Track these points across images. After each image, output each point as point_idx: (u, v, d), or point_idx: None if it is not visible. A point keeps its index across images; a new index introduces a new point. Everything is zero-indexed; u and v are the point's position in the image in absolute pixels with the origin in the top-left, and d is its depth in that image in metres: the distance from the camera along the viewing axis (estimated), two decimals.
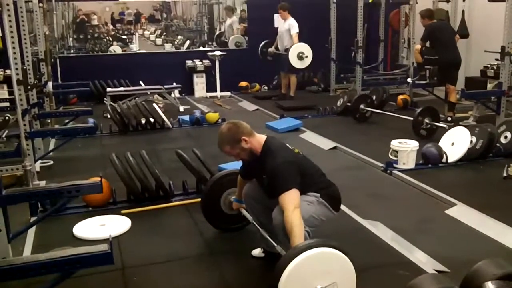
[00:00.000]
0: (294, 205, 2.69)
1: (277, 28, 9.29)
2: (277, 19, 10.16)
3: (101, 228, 3.76)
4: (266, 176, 2.94)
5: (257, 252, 3.34)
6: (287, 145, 3.09)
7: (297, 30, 8.34)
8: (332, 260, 2.42)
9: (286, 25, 8.57)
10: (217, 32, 10.94)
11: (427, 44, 7.21)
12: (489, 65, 7.84)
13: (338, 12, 9.62)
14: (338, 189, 3.12)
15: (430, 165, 5.08)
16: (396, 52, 10.72)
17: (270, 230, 3.03)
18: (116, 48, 10.26)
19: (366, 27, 9.56)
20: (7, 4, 3.96)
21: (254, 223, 3.25)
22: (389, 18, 10.40)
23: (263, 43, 9.31)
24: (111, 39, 10.29)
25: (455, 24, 7.82)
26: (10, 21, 3.99)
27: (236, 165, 4.82)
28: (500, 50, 6.20)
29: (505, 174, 4.76)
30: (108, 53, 10.20)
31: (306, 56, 8.14)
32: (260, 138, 3.01)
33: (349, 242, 3.49)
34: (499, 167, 4.90)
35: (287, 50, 8.31)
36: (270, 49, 9.09)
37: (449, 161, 5.14)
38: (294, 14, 9.12)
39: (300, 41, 8.32)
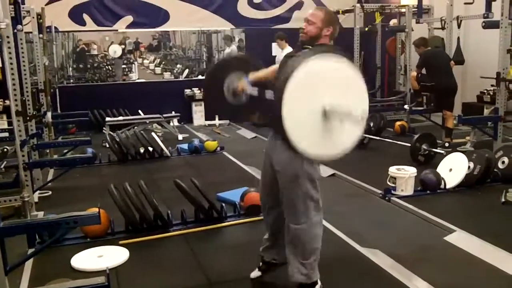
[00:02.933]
0: None
1: (275, 56, 9.38)
2: (275, 47, 10.28)
3: (99, 259, 3.74)
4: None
5: (254, 274, 3.33)
6: None
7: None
8: (338, 71, 2.25)
9: (284, 54, 8.57)
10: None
11: (423, 70, 7.27)
12: (485, 91, 7.91)
13: (335, 39, 9.70)
14: None
15: (428, 192, 5.08)
16: (393, 78, 10.82)
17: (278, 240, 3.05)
18: (116, 48, 10.27)
19: (363, 54, 9.65)
20: (7, 37, 4.01)
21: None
22: (386, 46, 10.52)
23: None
24: (110, 69, 10.38)
25: (451, 51, 7.90)
26: (10, 52, 4.03)
27: (234, 195, 4.85)
28: (495, 76, 6.25)
29: (503, 200, 4.76)
30: (110, 82, 10.28)
31: None
32: (329, 43, 2.95)
33: (348, 271, 3.49)
34: (497, 193, 4.90)
35: None
36: None
37: (447, 187, 5.14)
38: (291, 43, 9.21)
39: None
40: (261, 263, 3.34)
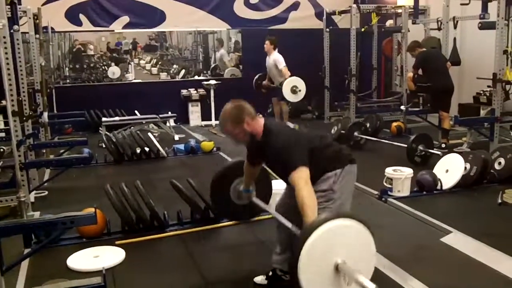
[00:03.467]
0: (304, 180, 2.69)
1: None
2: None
3: (95, 259, 3.73)
4: (271, 159, 2.96)
5: (259, 279, 3.30)
6: (287, 123, 3.11)
7: (284, 64, 8.25)
8: (350, 231, 2.42)
9: (271, 61, 8.41)
10: (212, 65, 11.08)
11: (420, 71, 7.29)
12: (481, 92, 7.93)
13: (331, 40, 9.76)
14: (339, 145, 3.20)
15: (424, 192, 5.09)
16: (389, 79, 10.84)
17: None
18: (115, 70, 10.30)
19: (359, 55, 9.67)
20: (4, 37, 4.00)
21: (269, 210, 3.27)
22: (382, 46, 10.55)
23: (257, 76, 9.37)
24: (109, 62, 10.36)
25: (447, 52, 7.92)
26: (6, 53, 4.02)
27: None
28: (492, 77, 6.27)
29: (500, 201, 4.77)
30: (107, 82, 10.26)
31: (300, 90, 8.07)
32: (260, 122, 2.98)
33: None
34: (493, 194, 4.91)
35: (281, 84, 8.20)
36: (264, 82, 9.05)
37: (443, 188, 5.15)
38: (288, 43, 9.26)
39: (293, 70, 8.35)
40: (271, 273, 3.28)
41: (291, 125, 3.08)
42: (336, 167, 2.94)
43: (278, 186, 3.49)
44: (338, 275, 2.36)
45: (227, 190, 3.46)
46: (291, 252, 3.04)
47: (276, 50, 8.36)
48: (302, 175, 2.71)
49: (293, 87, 8.02)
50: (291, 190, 3.03)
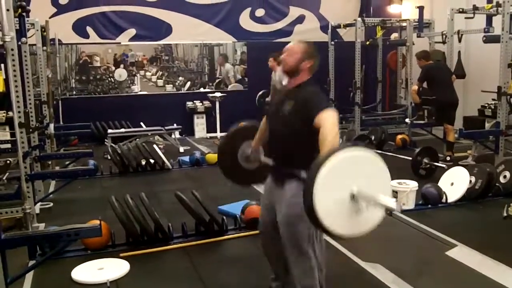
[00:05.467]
0: (332, 121, 2.56)
1: None
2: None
3: (99, 271, 3.73)
4: (296, 105, 2.80)
5: None
6: None
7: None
8: (365, 161, 2.36)
9: (277, 77, 8.46)
10: (218, 79, 11.12)
11: (424, 84, 7.29)
12: (486, 105, 7.93)
13: (336, 53, 9.78)
14: None
15: (429, 206, 5.08)
16: (394, 92, 10.85)
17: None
18: (121, 72, 10.31)
19: (364, 68, 9.69)
20: (12, 49, 4.04)
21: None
22: (387, 59, 10.57)
23: (260, 92, 9.47)
24: (113, 81, 10.40)
25: (452, 65, 7.93)
26: (14, 65, 4.05)
27: (235, 208, 4.84)
28: (496, 90, 6.28)
29: (505, 214, 4.75)
30: (113, 94, 10.32)
31: None
32: (308, 76, 2.92)
33: (349, 285, 3.48)
34: (499, 207, 4.89)
35: None
36: (267, 99, 9.14)
37: (448, 201, 5.14)
38: None
39: None
40: None
41: None
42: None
43: None
44: (355, 205, 2.28)
45: (234, 154, 3.35)
46: (286, 275, 3.04)
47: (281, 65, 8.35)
48: (332, 116, 2.59)
49: None
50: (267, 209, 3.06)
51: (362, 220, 2.34)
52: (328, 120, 2.56)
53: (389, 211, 2.44)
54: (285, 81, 3.01)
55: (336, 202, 2.26)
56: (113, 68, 10.39)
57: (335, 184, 2.26)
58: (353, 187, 2.27)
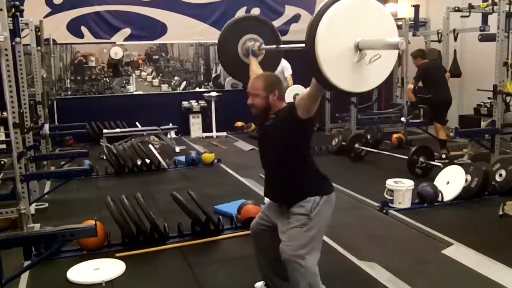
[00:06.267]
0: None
1: None
2: None
3: (95, 272, 3.72)
4: (276, 118, 2.85)
5: (259, 285, 3.30)
6: None
7: (291, 72, 8.38)
8: (370, 9, 2.27)
9: (280, 68, 8.55)
10: (214, 75, 11.10)
11: (420, 83, 7.31)
12: (482, 103, 7.94)
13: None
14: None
15: (426, 204, 5.08)
16: (390, 91, 10.85)
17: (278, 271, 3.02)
18: (117, 50, 10.24)
19: None
20: (6, 49, 4.02)
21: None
22: None
23: None
24: (108, 81, 10.38)
25: (448, 64, 7.95)
26: (8, 65, 4.03)
27: (231, 207, 4.84)
28: (492, 89, 6.28)
29: (501, 213, 4.76)
30: (108, 94, 10.30)
31: None
32: (283, 104, 2.93)
33: (345, 284, 3.48)
34: (494, 206, 4.90)
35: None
36: None
37: (444, 200, 5.14)
38: (289, 55, 9.26)
39: (294, 81, 8.39)
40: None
41: None
42: (317, 193, 2.82)
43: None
44: (360, 54, 2.20)
45: (234, 48, 3.33)
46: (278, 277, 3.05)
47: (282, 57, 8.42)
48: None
49: (296, 95, 8.02)
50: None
51: (366, 74, 2.26)
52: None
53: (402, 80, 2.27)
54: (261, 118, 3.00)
55: (339, 52, 2.17)
56: (107, 67, 10.38)
57: (338, 31, 2.17)
58: (357, 37, 2.19)
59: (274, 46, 3.20)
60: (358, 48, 2.20)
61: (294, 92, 8.22)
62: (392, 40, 2.15)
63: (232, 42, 3.31)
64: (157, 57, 10.65)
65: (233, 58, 3.33)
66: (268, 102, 2.87)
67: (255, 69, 3.31)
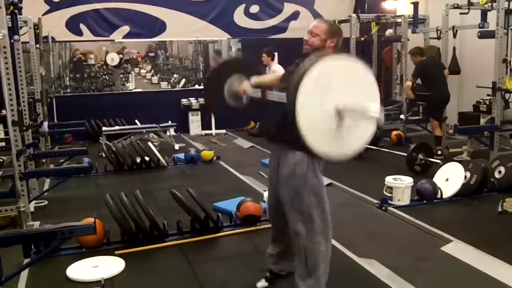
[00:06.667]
0: None
1: None
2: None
3: (94, 269, 3.72)
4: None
5: (260, 284, 3.31)
6: None
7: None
8: (351, 71, 2.26)
9: (272, 72, 8.48)
10: None
11: (418, 80, 7.31)
12: (481, 100, 7.94)
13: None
14: None
15: (425, 201, 5.08)
16: (389, 88, 10.86)
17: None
18: (113, 56, 10.25)
19: None
20: (4, 47, 4.01)
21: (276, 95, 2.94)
22: (382, 55, 10.57)
23: None
24: (108, 78, 10.36)
25: (447, 61, 7.94)
26: (6, 63, 4.03)
27: (230, 204, 4.84)
28: (491, 86, 6.28)
29: (500, 209, 4.76)
30: (107, 92, 10.29)
31: None
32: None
33: (344, 281, 3.48)
34: (494, 202, 4.91)
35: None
36: None
37: (444, 197, 5.14)
38: (288, 53, 9.27)
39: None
40: (268, 273, 3.32)
41: None
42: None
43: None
44: (341, 122, 2.19)
45: (221, 89, 3.15)
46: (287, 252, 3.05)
47: (275, 60, 8.39)
48: None
49: None
50: (274, 192, 3.03)
51: (349, 139, 2.25)
52: None
53: (378, 127, 2.28)
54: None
55: (320, 118, 2.15)
56: (108, 64, 10.36)
57: (318, 95, 2.14)
58: (338, 101, 2.16)
59: (259, 91, 3.02)
60: (338, 114, 2.19)
61: None
62: (372, 113, 2.16)
63: (219, 83, 3.16)
64: (153, 54, 10.61)
65: (219, 99, 3.18)
66: (323, 45, 2.86)
67: (270, 78, 3.22)
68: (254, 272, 3.45)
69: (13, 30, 4.90)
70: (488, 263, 3.67)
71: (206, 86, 3.27)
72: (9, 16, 4.74)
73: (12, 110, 4.11)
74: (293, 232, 2.89)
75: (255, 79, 3.11)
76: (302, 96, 2.11)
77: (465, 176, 5.19)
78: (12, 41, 4.84)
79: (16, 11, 4.90)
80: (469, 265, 3.68)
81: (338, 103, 2.16)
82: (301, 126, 2.13)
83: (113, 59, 10.31)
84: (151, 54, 10.62)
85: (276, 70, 8.29)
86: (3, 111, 4.32)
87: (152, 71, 10.77)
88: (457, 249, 3.95)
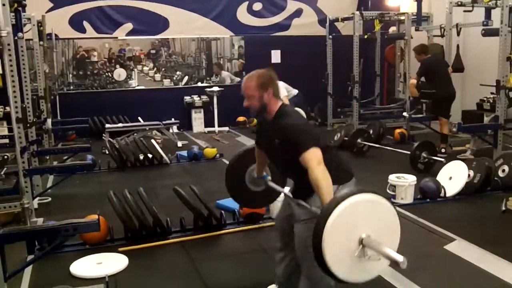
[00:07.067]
0: (316, 160, 2.55)
1: (274, 63, 9.61)
2: (274, 55, 10.42)
3: (98, 266, 3.73)
4: (280, 139, 2.75)
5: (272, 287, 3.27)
6: None
7: (286, 93, 8.45)
8: (373, 206, 2.36)
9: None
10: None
11: (422, 78, 7.29)
12: (485, 99, 7.92)
13: (334, 47, 9.77)
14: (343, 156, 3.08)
15: (428, 200, 5.08)
16: (392, 86, 10.84)
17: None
18: (120, 72, 10.28)
19: (362, 62, 9.69)
20: (8, 44, 4.02)
21: (286, 193, 3.06)
22: (385, 53, 10.55)
23: None
24: (113, 64, 10.35)
25: (450, 59, 7.92)
26: (10, 60, 4.03)
27: (233, 202, 4.83)
28: (495, 84, 6.27)
29: (503, 208, 4.75)
30: (110, 89, 10.30)
31: None
32: (279, 103, 2.88)
33: None
34: (497, 201, 4.90)
35: None
36: None
37: (447, 195, 5.14)
38: (291, 50, 9.37)
39: (295, 77, 8.45)
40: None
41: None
42: (335, 182, 2.71)
43: None
44: (363, 250, 2.29)
45: (242, 177, 3.31)
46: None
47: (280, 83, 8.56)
48: (314, 155, 2.56)
49: None
50: (285, 208, 3.02)
51: (367, 266, 2.36)
52: (312, 162, 2.55)
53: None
54: (261, 117, 2.97)
55: (344, 248, 2.27)
56: (109, 63, 10.35)
57: (344, 231, 2.26)
58: (362, 233, 2.29)
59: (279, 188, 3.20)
60: (362, 243, 2.29)
61: None
62: (396, 256, 2.24)
63: (240, 171, 3.32)
64: (154, 51, 10.61)
65: (240, 187, 3.35)
66: (263, 101, 2.81)
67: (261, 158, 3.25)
68: (256, 270, 3.46)
69: (17, 27, 4.92)
70: (491, 262, 3.67)
71: (228, 175, 3.41)
72: (13, 14, 4.75)
73: (16, 107, 4.12)
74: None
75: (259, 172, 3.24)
76: (327, 242, 2.22)
77: (469, 175, 5.19)
78: (16, 38, 4.85)
79: (20, 8, 4.91)
80: (472, 264, 3.68)
81: (362, 236, 2.30)
82: (327, 256, 2.23)
83: (120, 74, 10.37)
84: (153, 51, 10.61)
85: (279, 87, 8.41)
86: (7, 108, 4.33)
87: (155, 68, 10.74)
88: (460, 247, 3.95)
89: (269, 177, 3.25)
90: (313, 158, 2.56)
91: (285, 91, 8.61)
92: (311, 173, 2.53)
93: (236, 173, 3.32)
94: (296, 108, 7.25)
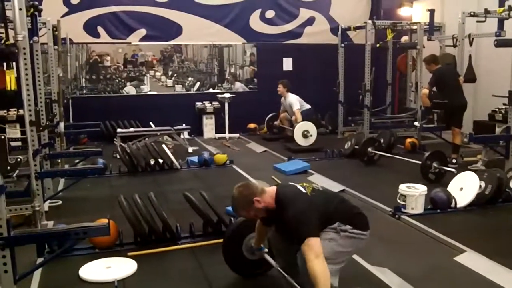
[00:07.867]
0: (314, 253, 2.69)
1: (285, 71, 9.63)
2: (286, 63, 10.47)
3: (107, 270, 3.74)
4: (285, 228, 2.96)
5: None
6: (299, 187, 3.04)
7: (298, 107, 8.77)
8: None
9: (287, 103, 9.07)
10: (227, 76, 11.17)
11: (434, 88, 7.26)
12: (497, 109, 7.87)
13: (346, 55, 9.78)
14: (359, 209, 3.14)
15: (438, 210, 5.04)
16: (404, 95, 10.80)
17: (295, 272, 3.02)
18: (130, 89, 10.40)
19: (374, 70, 9.67)
20: (24, 48, 4.06)
21: (278, 268, 3.22)
22: (397, 62, 10.52)
23: (270, 115, 9.90)
24: (123, 80, 10.43)
25: (462, 69, 7.88)
26: (25, 64, 4.07)
27: None
28: (507, 95, 6.22)
29: None
30: (122, 94, 10.37)
31: (311, 135, 8.43)
32: (272, 192, 2.99)
33: None
34: (509, 213, 4.87)
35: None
36: (276, 123, 9.73)
37: (458, 206, 5.10)
38: (303, 58, 9.38)
39: (307, 84, 8.49)
40: None
41: (302, 188, 3.04)
42: (340, 223, 2.95)
43: None
44: None
45: (239, 245, 3.53)
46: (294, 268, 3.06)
47: (290, 92, 8.98)
48: (311, 248, 2.71)
49: (304, 132, 8.44)
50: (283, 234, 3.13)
51: None
52: (309, 254, 2.70)
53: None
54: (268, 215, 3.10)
55: None
56: (123, 67, 10.43)
57: None
58: None
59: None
60: None
61: (303, 128, 8.43)
62: None
63: (237, 240, 3.53)
64: (167, 57, 10.71)
65: (237, 256, 3.54)
66: (260, 209, 2.98)
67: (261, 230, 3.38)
68: (265, 276, 3.45)
69: (33, 31, 4.97)
70: (502, 274, 3.64)
71: (226, 243, 3.63)
72: (29, 18, 4.81)
73: (30, 110, 4.16)
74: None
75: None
76: None
77: (480, 186, 5.15)
78: (31, 42, 4.90)
79: (36, 13, 4.97)
80: (482, 276, 3.65)
81: None
82: None
83: (129, 92, 10.49)
84: (166, 57, 10.69)
85: (291, 101, 8.70)
86: (21, 110, 4.37)
87: (167, 74, 10.81)
88: (471, 259, 3.91)
89: (266, 249, 3.42)
90: (310, 250, 2.71)
91: (298, 104, 8.76)
92: (308, 266, 2.69)
93: (234, 241, 3.54)
94: (306, 122, 7.49)
